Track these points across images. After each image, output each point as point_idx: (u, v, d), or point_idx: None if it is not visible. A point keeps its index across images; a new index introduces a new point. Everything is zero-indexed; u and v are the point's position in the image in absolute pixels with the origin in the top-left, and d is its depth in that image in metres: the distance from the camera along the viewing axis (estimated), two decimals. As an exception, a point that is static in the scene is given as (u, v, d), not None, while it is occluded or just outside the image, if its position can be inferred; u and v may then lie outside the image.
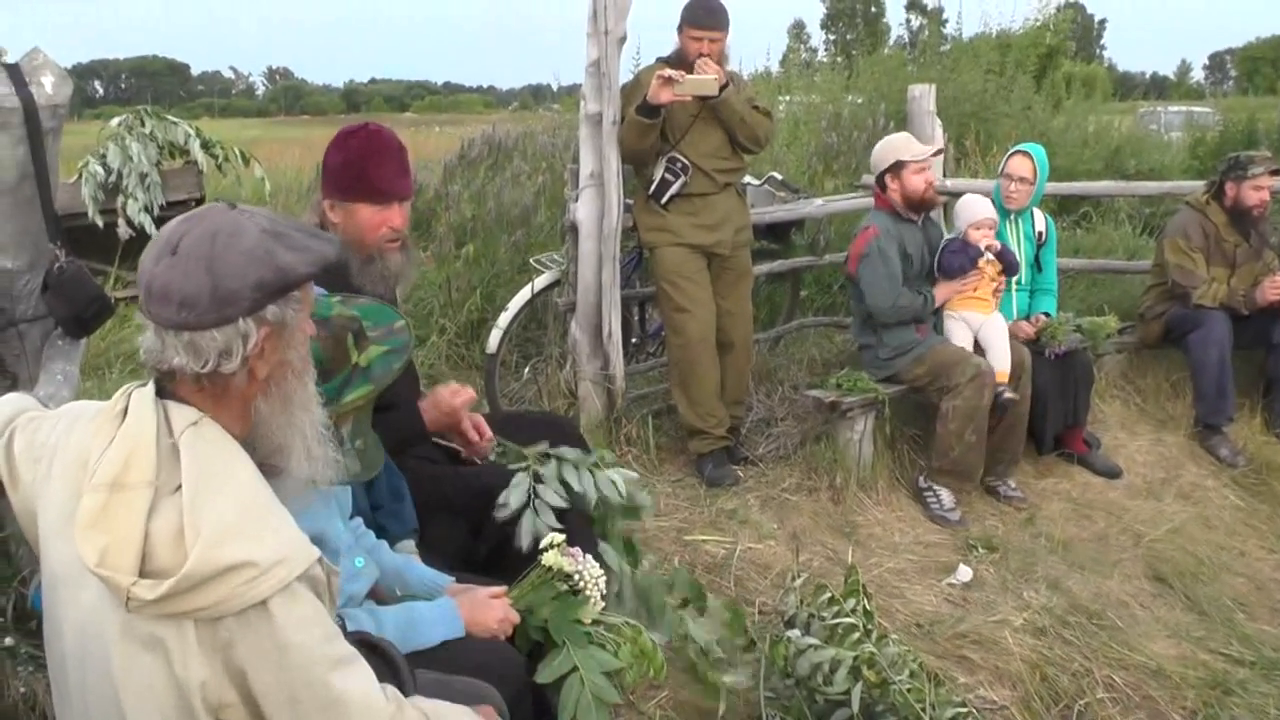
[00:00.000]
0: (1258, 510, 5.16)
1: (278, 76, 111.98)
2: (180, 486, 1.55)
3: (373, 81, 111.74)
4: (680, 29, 4.65)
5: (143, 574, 1.51)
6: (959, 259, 4.87)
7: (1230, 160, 5.83)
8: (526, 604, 2.43)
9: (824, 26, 69.09)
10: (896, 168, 4.81)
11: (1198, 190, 5.97)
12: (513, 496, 2.79)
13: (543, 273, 5.24)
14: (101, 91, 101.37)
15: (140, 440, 1.59)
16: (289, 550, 1.57)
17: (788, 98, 10.41)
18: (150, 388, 1.67)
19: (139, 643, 1.54)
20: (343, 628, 1.75)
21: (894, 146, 4.92)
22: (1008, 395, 4.74)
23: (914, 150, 4.88)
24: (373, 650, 1.92)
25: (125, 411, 1.65)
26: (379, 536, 2.59)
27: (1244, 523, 5.04)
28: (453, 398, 3.00)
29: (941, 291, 4.89)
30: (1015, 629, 3.89)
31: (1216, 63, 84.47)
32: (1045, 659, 3.76)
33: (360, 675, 1.66)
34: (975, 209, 4.94)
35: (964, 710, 3.26)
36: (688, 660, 3.07)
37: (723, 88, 4.52)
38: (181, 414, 1.63)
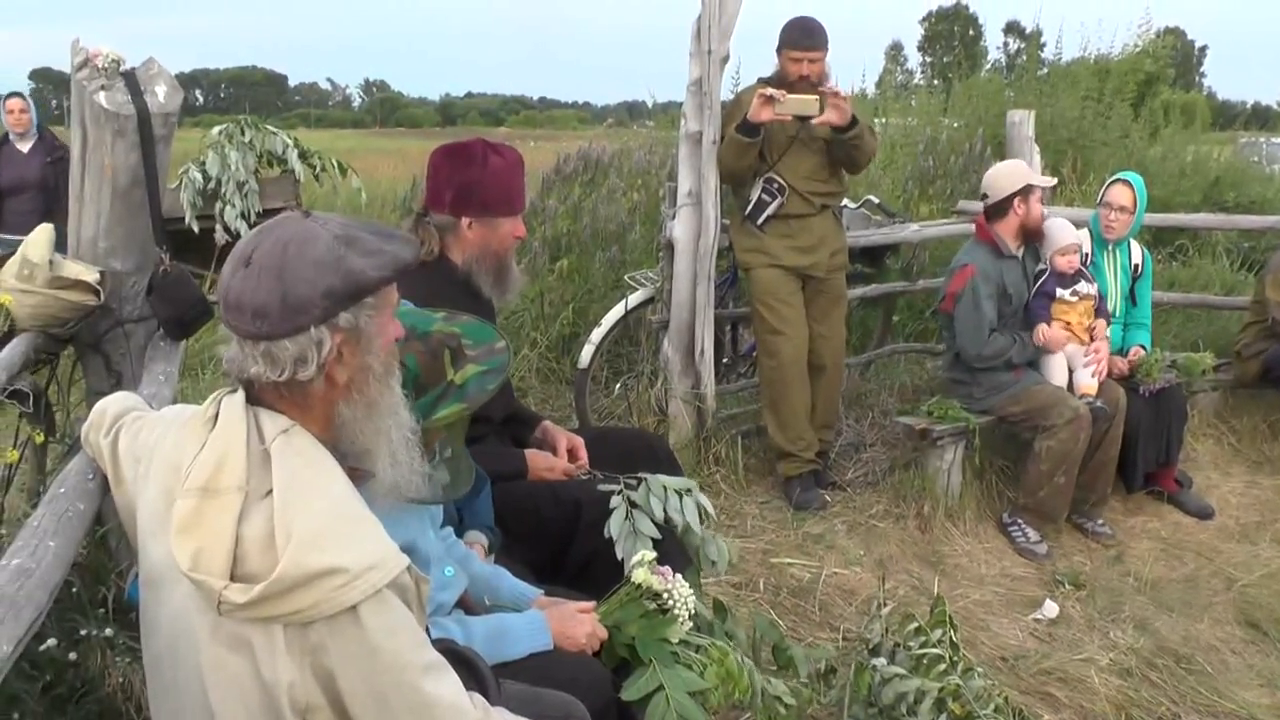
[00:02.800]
0: (1358, 558, 5.05)
1: (374, 89, 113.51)
2: (271, 492, 1.58)
3: (468, 95, 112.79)
4: (780, 50, 4.68)
5: (234, 578, 1.54)
6: (1042, 313, 4.81)
7: (1337, 195, 5.73)
8: (614, 620, 2.44)
9: (921, 49, 68.59)
10: (1026, 192, 4.77)
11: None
12: (613, 522, 2.81)
13: (637, 290, 5.29)
14: (201, 100, 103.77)
15: (231, 446, 1.62)
16: (379, 557, 1.59)
17: (884, 120, 10.35)
18: (240, 394, 1.70)
19: (226, 644, 1.57)
20: (430, 636, 1.79)
21: (1022, 171, 4.88)
22: (1099, 404, 4.70)
23: (1041, 178, 4.85)
24: (459, 659, 1.94)
25: (216, 417, 1.69)
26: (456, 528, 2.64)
27: (1342, 571, 4.93)
28: (548, 473, 3.07)
29: (1039, 337, 4.82)
30: (1101, 668, 3.85)
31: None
32: (1131, 700, 3.71)
33: (449, 681, 1.69)
34: (1061, 235, 4.85)
35: (1048, 748, 3.26)
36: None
37: (850, 126, 4.54)
38: (273, 421, 1.66)
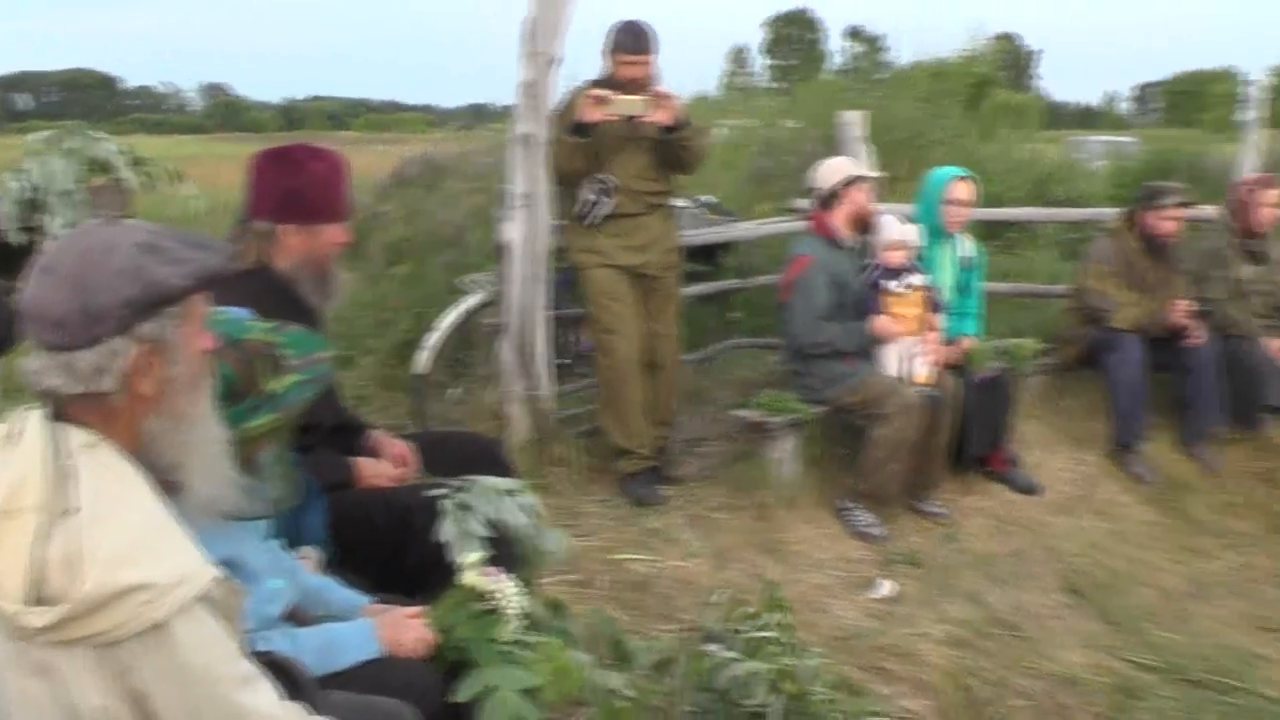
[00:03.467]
0: (1168, 525, 5.35)
1: (214, 92, 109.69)
2: (72, 510, 1.52)
3: (313, 99, 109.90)
4: (609, 53, 4.74)
5: (37, 601, 1.48)
6: (873, 305, 4.95)
7: (1144, 191, 6.07)
8: (445, 624, 2.43)
9: (765, 52, 69.67)
10: (849, 183, 4.92)
11: (1114, 218, 6.18)
12: (446, 526, 2.79)
13: (473, 293, 5.30)
14: (30, 105, 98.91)
15: (31, 464, 1.57)
16: (187, 571, 1.56)
17: (725, 122, 10.55)
18: (42, 411, 1.64)
19: (29, 670, 1.52)
20: (254, 649, 1.77)
21: (845, 165, 5.05)
22: (932, 392, 4.87)
23: (864, 169, 5.02)
24: (279, 670, 1.92)
25: (14, 436, 1.63)
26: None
27: (1155, 537, 5.22)
28: (377, 479, 3.06)
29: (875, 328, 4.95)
30: (935, 641, 3.99)
31: (1142, 95, 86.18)
32: (963, 669, 3.86)
33: (265, 692, 1.67)
34: (890, 230, 5.01)
35: (882, 720, 3.39)
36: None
37: (679, 127, 4.63)
38: (76, 436, 1.60)
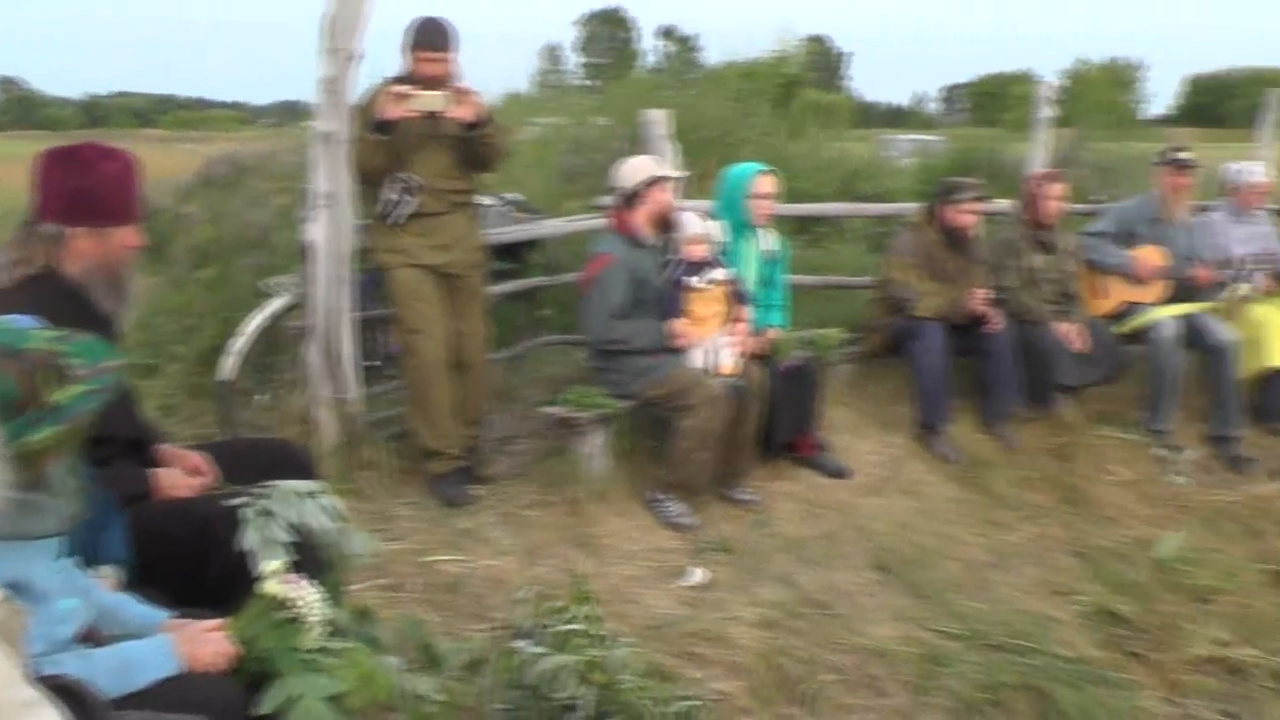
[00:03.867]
0: (972, 501, 5.55)
1: (9, 87, 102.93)
2: None
3: (118, 94, 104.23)
4: (408, 50, 4.68)
5: None
6: (673, 303, 5.01)
7: (943, 186, 6.30)
8: (246, 635, 2.38)
9: (577, 50, 70.02)
10: (651, 183, 4.97)
11: (915, 212, 6.40)
12: (248, 534, 2.74)
13: (278, 296, 5.17)
14: None
15: None
16: None
17: (540, 120, 10.53)
18: None
19: None
20: (42, 673, 1.71)
21: (646, 164, 5.08)
22: (738, 382, 4.94)
23: (667, 168, 5.06)
24: (69, 694, 1.87)
25: None
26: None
27: (959, 513, 5.41)
28: (175, 490, 2.97)
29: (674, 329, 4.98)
30: (746, 624, 4.05)
31: (949, 95, 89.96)
32: (775, 649, 3.93)
33: (48, 717, 1.63)
34: (690, 226, 5.07)
35: (693, 703, 3.41)
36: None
37: (481, 124, 4.60)
38: None
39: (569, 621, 3.41)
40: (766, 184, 5.44)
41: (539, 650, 3.28)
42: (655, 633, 3.94)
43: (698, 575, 4.39)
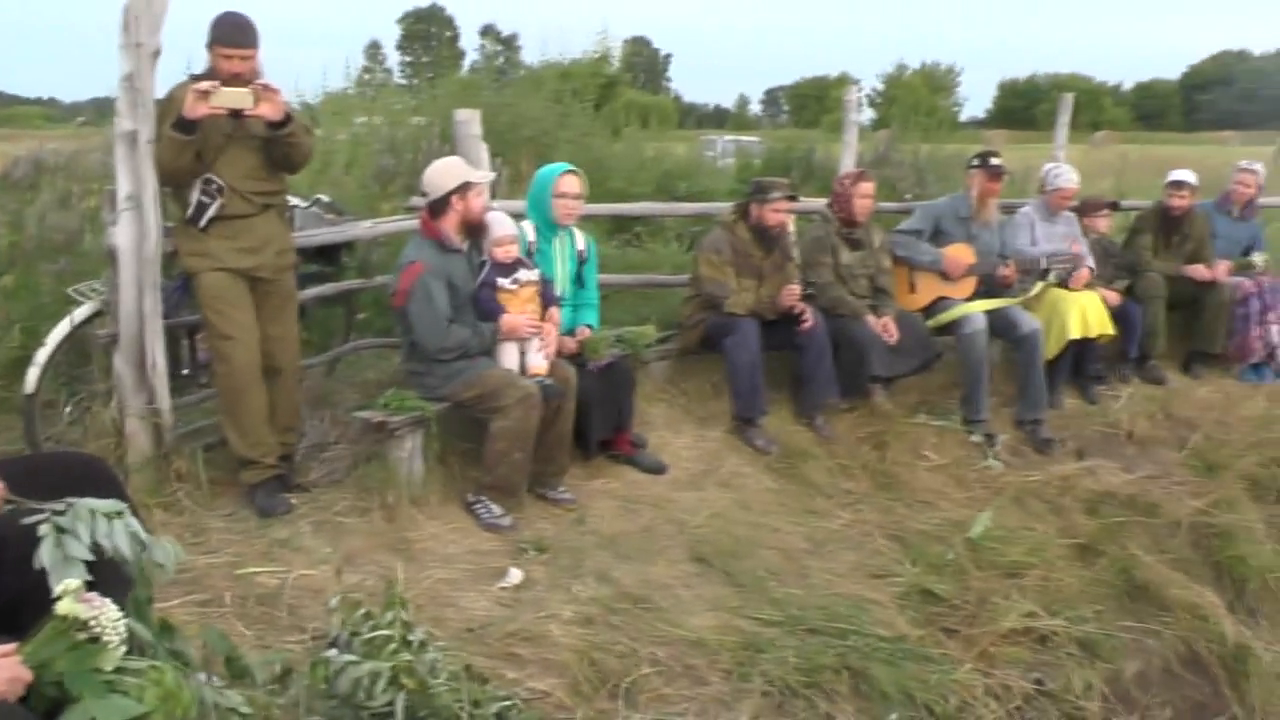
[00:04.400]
0: (789, 490, 5.72)
1: None
2: None
3: None
4: (209, 46, 4.54)
5: None
6: (489, 303, 5.00)
7: (754, 185, 6.45)
8: (40, 659, 2.30)
9: (400, 48, 69.16)
10: (464, 189, 4.93)
11: (726, 211, 6.51)
12: (45, 551, 2.59)
13: (83, 303, 4.95)
14: None
15: None
16: None
17: (358, 120, 10.33)
18: None
19: None
20: None
21: (457, 169, 5.03)
22: (549, 382, 4.96)
23: (479, 173, 5.02)
24: None
25: None
26: None
27: (778, 503, 5.56)
28: None
29: (502, 329, 4.99)
30: (564, 622, 4.08)
31: (771, 97, 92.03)
32: (592, 645, 3.97)
33: None
34: (498, 227, 5.06)
35: (509, 704, 3.40)
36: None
37: (285, 123, 4.51)
38: None
39: (379, 627, 3.36)
40: (570, 184, 5.46)
41: (350, 658, 3.23)
42: (473, 635, 3.94)
43: (515, 576, 4.39)
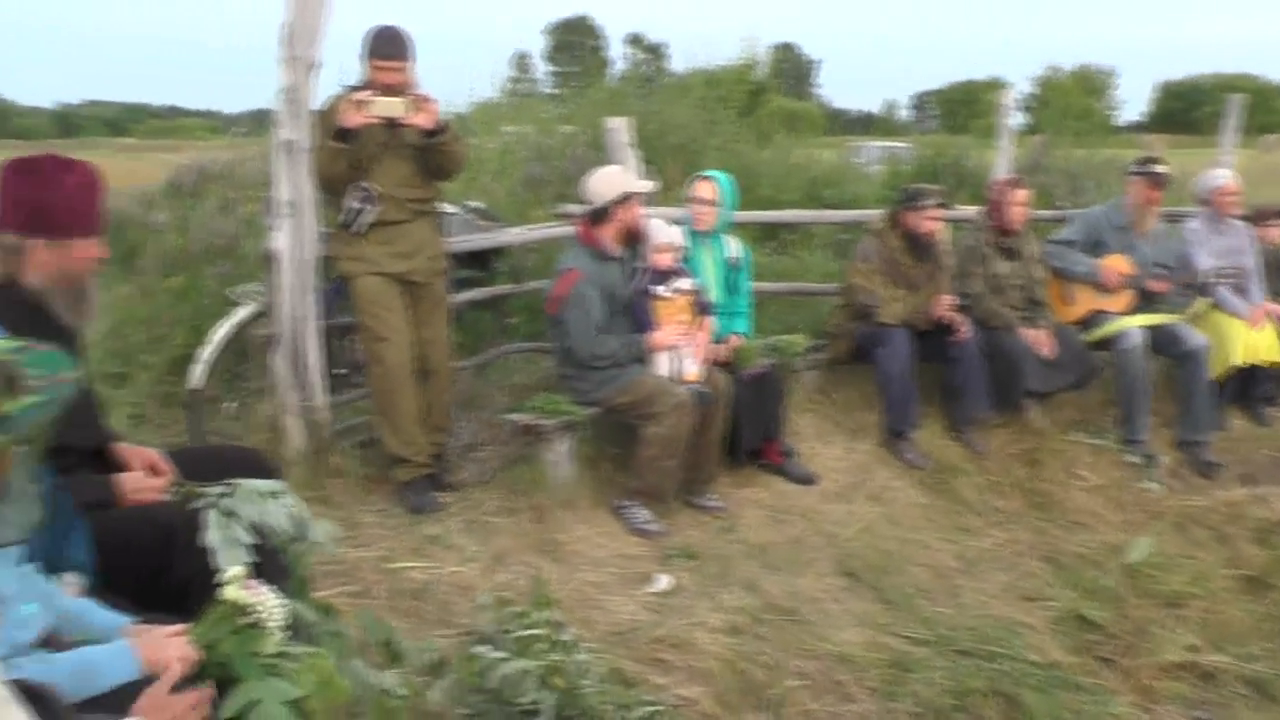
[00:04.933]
0: (939, 506, 5.58)
1: None
2: None
3: (90, 103, 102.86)
4: (365, 58, 4.65)
5: None
6: (642, 313, 5.01)
7: (906, 193, 6.32)
8: (207, 640, 2.36)
9: (548, 58, 70.07)
10: (626, 199, 4.95)
11: (878, 219, 6.40)
12: (210, 533, 2.72)
13: (245, 305, 5.13)
14: None
15: None
16: None
17: (508, 129, 10.50)
18: None
19: None
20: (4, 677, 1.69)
21: (620, 179, 5.06)
22: (702, 389, 4.94)
23: (641, 183, 5.06)
24: (32, 697, 1.87)
25: None
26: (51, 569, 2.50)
27: (927, 519, 5.44)
28: (138, 495, 2.93)
29: (653, 341, 4.99)
30: (711, 630, 4.04)
31: (920, 102, 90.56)
32: (739, 655, 3.93)
33: (15, 717, 1.65)
34: (657, 234, 5.08)
35: (655, 709, 3.39)
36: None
37: (439, 131, 4.58)
38: None
39: (530, 627, 3.38)
40: (702, 189, 5.45)
41: (500, 655, 3.26)
42: (620, 639, 3.94)
43: (663, 582, 4.38)
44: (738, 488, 5.35)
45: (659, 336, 4.97)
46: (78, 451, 2.94)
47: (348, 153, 4.56)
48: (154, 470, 3.03)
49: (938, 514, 5.52)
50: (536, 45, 79.70)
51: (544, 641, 3.32)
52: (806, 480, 5.50)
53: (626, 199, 4.97)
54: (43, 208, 2.77)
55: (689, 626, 4.04)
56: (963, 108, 59.40)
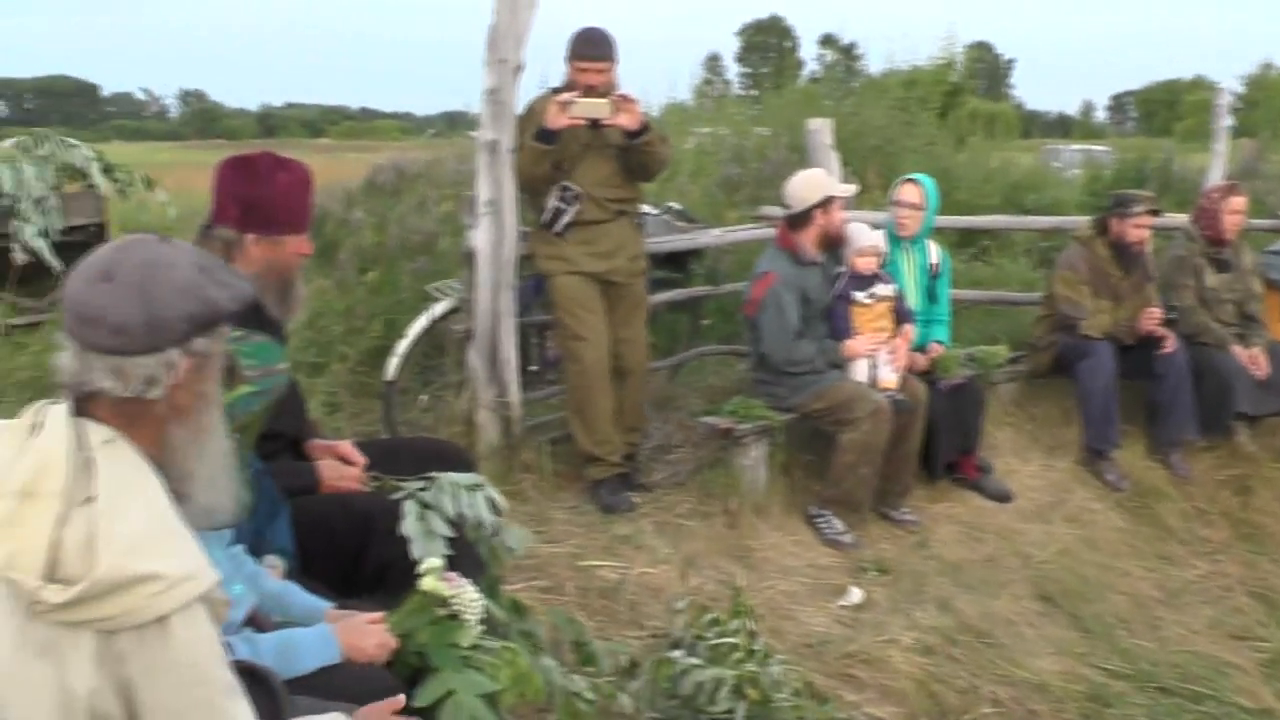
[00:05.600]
0: (1140, 532, 5.35)
1: (192, 99, 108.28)
2: (91, 498, 1.58)
3: (288, 106, 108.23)
4: (568, 60, 4.72)
5: (51, 580, 1.53)
6: (840, 319, 4.96)
7: (1114, 199, 6.06)
8: (405, 629, 2.42)
9: (739, 60, 70.00)
10: (827, 203, 4.90)
11: (1084, 225, 6.17)
12: (409, 526, 2.78)
13: (441, 300, 5.27)
14: (5, 111, 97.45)
15: (53, 452, 1.62)
16: (193, 568, 1.61)
17: (698, 129, 10.52)
18: (65, 405, 1.69)
19: (33, 650, 1.56)
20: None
21: (822, 182, 5.01)
22: (900, 398, 4.85)
23: (842, 186, 4.99)
24: (253, 676, 1.94)
25: (37, 426, 1.68)
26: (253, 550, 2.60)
27: (1127, 544, 5.22)
28: (340, 482, 3.03)
29: (848, 349, 4.93)
30: (904, 648, 3.97)
31: (1118, 104, 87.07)
32: (932, 676, 3.85)
33: (244, 707, 1.70)
34: (859, 238, 5.01)
35: (848, 727, 3.36)
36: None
37: (642, 132, 4.61)
38: (97, 431, 1.66)
39: (726, 634, 3.38)
40: (906, 193, 5.36)
41: (694, 661, 3.26)
42: (811, 651, 3.90)
43: (856, 595, 4.32)
44: (931, 502, 5.24)
45: (855, 343, 4.91)
46: (283, 438, 3.06)
47: (551, 153, 4.63)
48: (347, 461, 3.12)
49: (1139, 540, 5.29)
50: (729, 47, 79.72)
51: (739, 650, 3.31)
52: (1002, 497, 5.35)
53: (828, 203, 4.91)
54: (257, 204, 2.84)
55: (882, 644, 3.97)
56: (1163, 109, 56.83)
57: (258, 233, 2.86)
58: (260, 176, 2.88)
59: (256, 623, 2.38)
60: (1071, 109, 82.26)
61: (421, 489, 2.89)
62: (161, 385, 1.68)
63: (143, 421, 1.71)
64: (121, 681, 1.56)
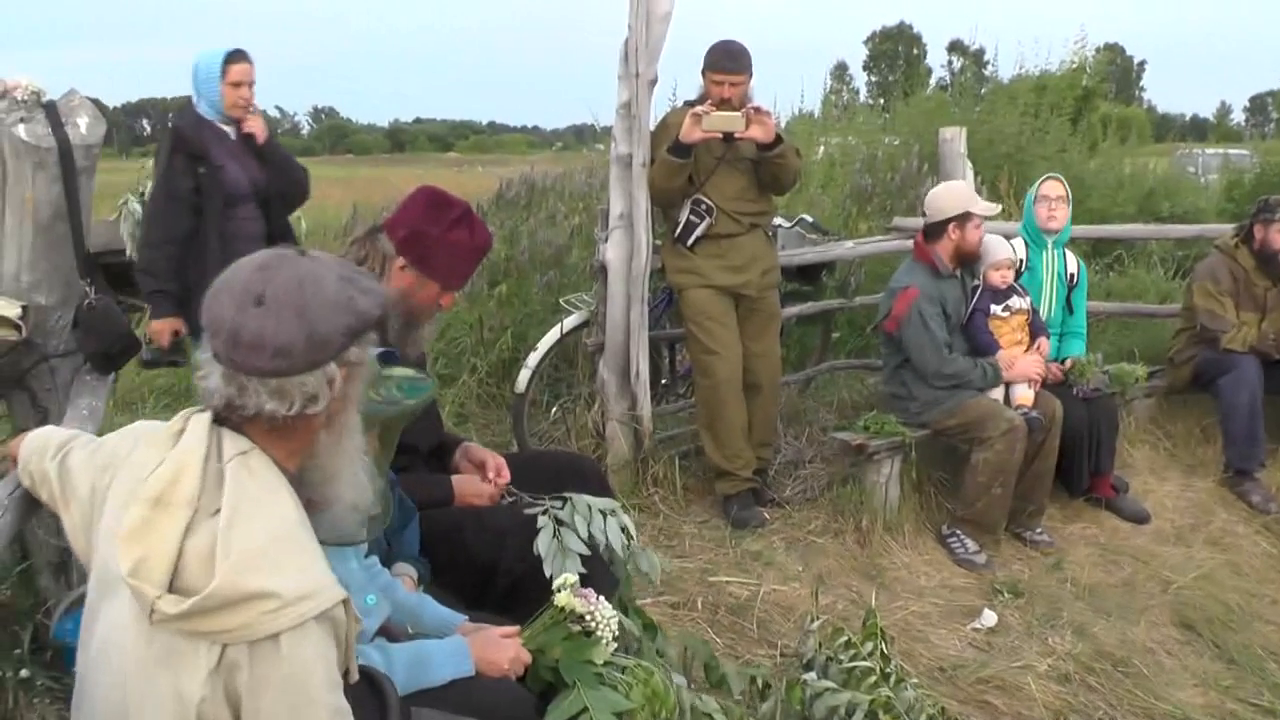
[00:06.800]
0: (1288, 558, 5.14)
1: (323, 115, 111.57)
2: (218, 511, 1.62)
3: (417, 121, 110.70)
4: (703, 72, 4.73)
5: (172, 589, 1.57)
6: (983, 333, 4.90)
7: (1259, 204, 5.83)
8: (538, 644, 2.45)
9: (866, 69, 69.34)
10: (964, 219, 4.83)
11: (1227, 234, 5.97)
12: (541, 540, 2.80)
13: (572, 313, 5.31)
14: (149, 130, 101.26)
15: (188, 462, 1.66)
16: (314, 587, 1.62)
17: (827, 140, 10.43)
18: (208, 414, 1.73)
19: (155, 657, 1.60)
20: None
21: (962, 196, 4.94)
22: (1034, 415, 4.76)
23: (983, 204, 4.93)
24: (371, 684, 1.97)
25: (180, 433, 1.73)
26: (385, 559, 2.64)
27: (1275, 570, 5.02)
28: (475, 498, 3.05)
29: (1008, 373, 4.87)
30: (1039, 675, 3.89)
31: (1257, 105, 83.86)
32: (1069, 705, 3.76)
33: None
34: (995, 250, 4.93)
35: (984, 755, 3.30)
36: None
37: (775, 144, 4.61)
38: (234, 442, 1.70)
39: (859, 657, 3.34)
40: (1050, 187, 5.28)
41: (828, 685, 3.22)
42: (944, 675, 3.84)
43: (990, 618, 4.24)
44: (1066, 522, 5.12)
45: (1024, 365, 4.85)
46: (417, 451, 3.09)
47: (685, 167, 4.64)
48: (496, 472, 3.11)
49: (1286, 566, 5.10)
50: (857, 55, 78.98)
51: (874, 674, 3.27)
52: (1140, 518, 5.21)
53: (964, 218, 4.83)
54: (424, 240, 2.84)
55: (1017, 669, 3.89)
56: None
57: (413, 266, 2.86)
58: (443, 220, 2.87)
59: (388, 633, 2.40)
60: (1206, 111, 79.57)
61: (557, 507, 2.89)
62: (324, 399, 1.70)
63: (293, 434, 1.73)
64: (232, 692, 1.58)
